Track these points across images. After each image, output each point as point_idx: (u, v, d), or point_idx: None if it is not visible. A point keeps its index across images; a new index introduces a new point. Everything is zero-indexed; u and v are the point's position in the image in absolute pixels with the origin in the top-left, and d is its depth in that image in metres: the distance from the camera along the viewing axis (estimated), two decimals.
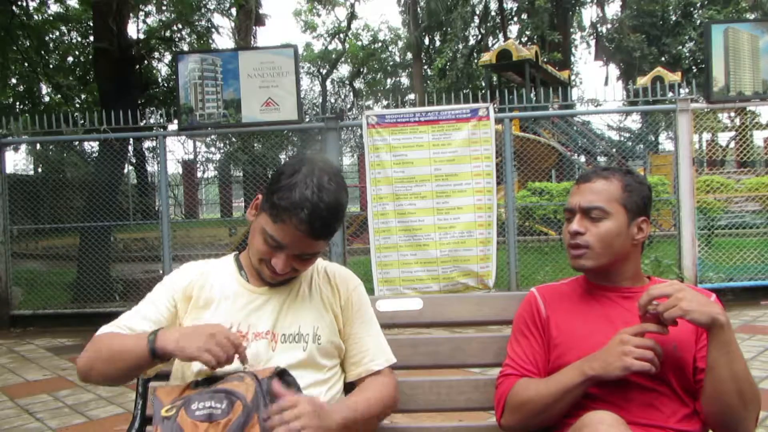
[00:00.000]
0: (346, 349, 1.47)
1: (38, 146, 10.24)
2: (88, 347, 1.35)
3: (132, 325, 1.37)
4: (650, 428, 1.31)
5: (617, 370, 1.26)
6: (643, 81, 14.11)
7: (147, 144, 15.68)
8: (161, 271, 6.64)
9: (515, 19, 24.95)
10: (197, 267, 1.52)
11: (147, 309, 1.42)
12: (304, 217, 1.28)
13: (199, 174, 17.62)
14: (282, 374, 1.27)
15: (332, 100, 28.43)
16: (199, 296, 1.43)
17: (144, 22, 14.12)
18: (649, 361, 1.25)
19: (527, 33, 23.22)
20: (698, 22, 21.85)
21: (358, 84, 30.08)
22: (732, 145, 13.00)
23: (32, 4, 11.15)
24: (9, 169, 7.24)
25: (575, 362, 1.35)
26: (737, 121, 12.78)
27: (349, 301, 1.48)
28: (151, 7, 12.02)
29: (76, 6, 13.16)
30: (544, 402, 1.35)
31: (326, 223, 1.31)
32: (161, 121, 6.78)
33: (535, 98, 7.35)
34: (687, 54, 22.88)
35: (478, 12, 24.71)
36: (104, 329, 1.37)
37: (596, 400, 1.34)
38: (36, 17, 11.51)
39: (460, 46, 23.96)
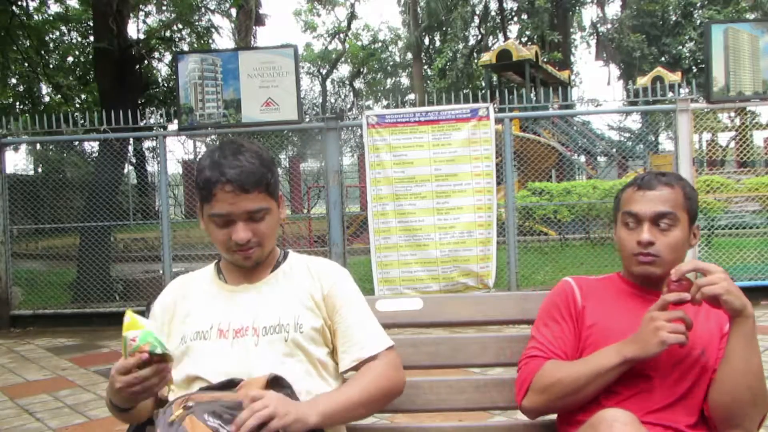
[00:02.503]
0: (335, 340, 1.44)
1: (38, 146, 10.24)
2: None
3: None
4: (663, 428, 1.31)
5: (654, 347, 1.27)
6: (643, 81, 14.11)
7: (147, 144, 15.68)
8: (161, 271, 6.64)
9: (515, 19, 24.96)
10: (179, 282, 1.54)
11: None
12: (225, 176, 1.33)
13: None
14: (275, 381, 1.27)
15: (332, 100, 28.44)
16: (181, 309, 1.46)
17: (144, 22, 14.14)
18: (681, 333, 1.27)
19: (527, 33, 23.21)
20: (698, 22, 21.85)
21: (358, 84, 30.09)
22: (732, 145, 13.00)
23: (32, 4, 11.17)
24: (9, 169, 7.24)
25: (610, 346, 1.36)
26: (737, 121, 12.77)
27: (331, 292, 1.46)
28: (151, 7, 12.03)
29: (76, 6, 13.17)
30: (576, 383, 1.35)
31: (250, 171, 1.34)
32: (161, 121, 6.78)
33: (535, 98, 7.35)
34: (687, 54, 22.87)
35: (478, 12, 24.71)
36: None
37: (611, 397, 1.35)
38: (36, 17, 11.52)
39: (460, 46, 23.96)
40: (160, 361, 1.18)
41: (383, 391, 1.37)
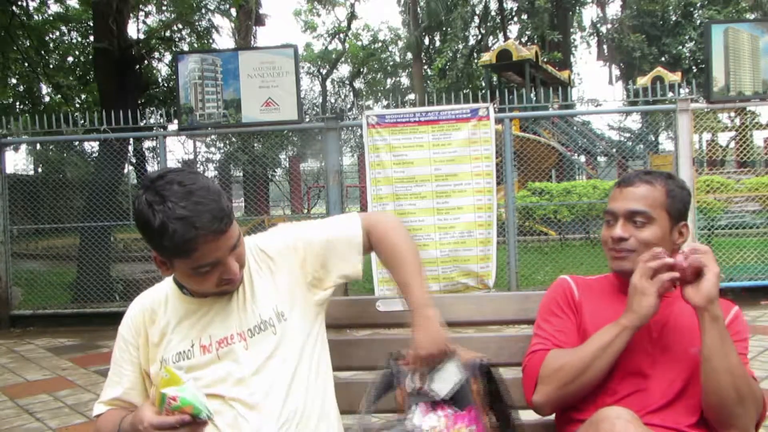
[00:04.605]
0: (330, 267, 1.53)
1: (38, 146, 10.24)
2: None
3: (110, 396, 1.44)
4: (664, 429, 1.31)
5: (646, 308, 1.31)
6: (643, 81, 14.10)
7: (147, 144, 15.65)
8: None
9: (515, 19, 24.97)
10: (140, 306, 1.48)
11: (114, 373, 1.46)
12: (202, 228, 1.24)
13: None
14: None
15: (332, 100, 28.41)
16: (153, 334, 1.42)
17: (144, 22, 14.11)
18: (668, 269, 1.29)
19: (527, 33, 23.22)
20: (698, 22, 21.85)
21: (358, 84, 30.05)
22: (732, 145, 12.99)
23: (32, 4, 11.16)
24: (9, 169, 7.23)
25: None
26: (737, 121, 12.77)
27: (305, 252, 1.49)
28: (151, 7, 12.03)
29: (76, 6, 13.16)
30: (582, 362, 1.35)
31: (218, 210, 1.27)
32: (161, 121, 6.78)
33: (535, 98, 7.35)
34: (687, 54, 22.87)
35: (478, 12, 24.70)
36: (97, 409, 1.45)
37: (609, 396, 1.35)
38: (36, 17, 11.52)
39: (460, 46, 23.95)
40: (200, 422, 1.20)
41: (405, 235, 1.59)
